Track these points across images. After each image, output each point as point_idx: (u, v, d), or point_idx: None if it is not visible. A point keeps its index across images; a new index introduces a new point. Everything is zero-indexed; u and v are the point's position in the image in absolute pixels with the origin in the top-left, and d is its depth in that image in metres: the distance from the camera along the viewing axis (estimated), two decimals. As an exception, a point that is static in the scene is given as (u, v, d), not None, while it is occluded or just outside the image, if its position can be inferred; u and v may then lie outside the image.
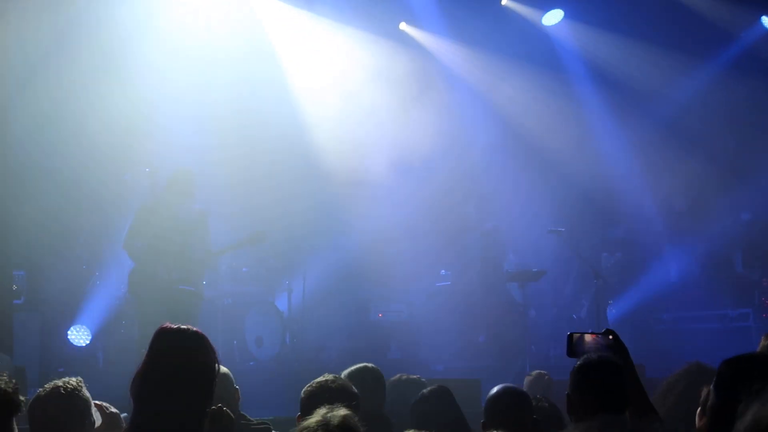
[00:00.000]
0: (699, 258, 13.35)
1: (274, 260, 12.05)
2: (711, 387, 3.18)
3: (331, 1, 11.91)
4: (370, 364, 5.17)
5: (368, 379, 4.97)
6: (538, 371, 7.19)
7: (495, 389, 4.37)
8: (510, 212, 13.06)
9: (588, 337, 3.69)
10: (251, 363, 11.37)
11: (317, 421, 2.86)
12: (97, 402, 3.93)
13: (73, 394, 3.91)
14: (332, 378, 4.37)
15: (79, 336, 10.71)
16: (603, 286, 10.94)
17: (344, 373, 4.93)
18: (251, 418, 4.61)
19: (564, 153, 12.96)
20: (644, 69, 12.84)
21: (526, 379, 7.05)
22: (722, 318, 12.26)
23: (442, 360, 11.66)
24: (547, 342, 12.76)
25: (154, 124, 10.96)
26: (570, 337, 3.70)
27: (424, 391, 5.07)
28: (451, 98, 13.18)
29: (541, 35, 12.85)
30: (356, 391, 4.38)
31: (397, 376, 5.74)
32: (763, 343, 4.96)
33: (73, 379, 3.99)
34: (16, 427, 2.84)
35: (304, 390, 4.32)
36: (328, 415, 2.89)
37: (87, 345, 10.76)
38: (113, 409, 3.99)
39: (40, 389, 4.03)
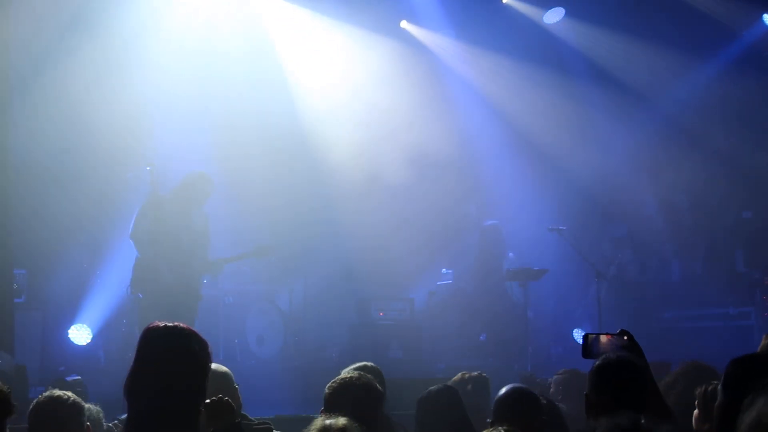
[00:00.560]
0: (700, 256, 13.34)
1: (275, 259, 12.04)
2: (718, 387, 3.17)
3: (332, 0, 11.90)
4: (370, 363, 5.17)
5: None
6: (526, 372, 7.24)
7: (504, 389, 4.36)
8: (511, 210, 13.05)
9: (603, 338, 3.69)
10: (252, 362, 11.37)
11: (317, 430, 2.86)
12: None
13: (66, 403, 4.10)
14: (357, 375, 4.34)
15: (80, 335, 10.70)
16: (604, 284, 10.92)
17: (343, 372, 4.91)
18: (252, 418, 4.59)
19: (565, 151, 12.95)
20: (645, 67, 12.82)
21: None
22: (723, 316, 12.24)
23: (443, 359, 11.64)
24: (548, 341, 12.75)
25: (157, 123, 10.96)
26: (585, 337, 3.70)
27: (431, 388, 5.08)
28: (451, 96, 13.18)
29: (543, 33, 12.83)
30: (381, 389, 4.35)
31: (459, 376, 5.78)
32: (764, 342, 4.95)
33: (68, 392, 4.23)
34: (7, 428, 2.84)
35: (328, 386, 4.30)
36: (328, 423, 2.89)
37: (88, 344, 10.75)
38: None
39: (40, 396, 4.18)
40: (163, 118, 11.02)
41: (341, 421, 3.02)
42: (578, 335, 12.43)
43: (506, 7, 12.66)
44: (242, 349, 11.49)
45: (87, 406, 4.61)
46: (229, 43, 11.36)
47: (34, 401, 4.24)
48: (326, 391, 4.27)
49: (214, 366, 3.31)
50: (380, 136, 12.11)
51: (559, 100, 12.84)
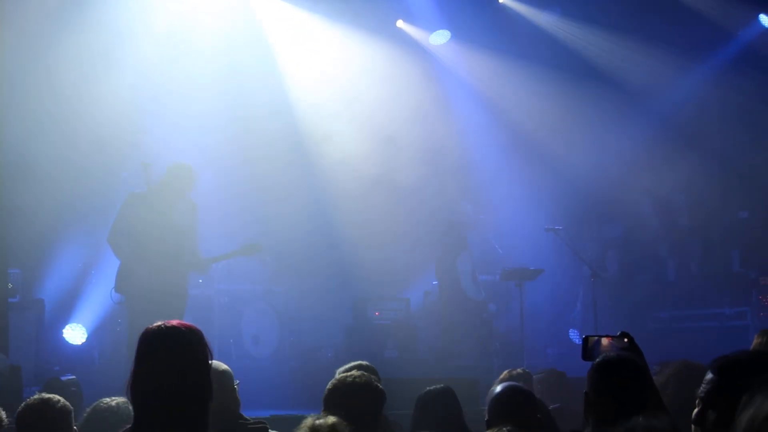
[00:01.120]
0: (696, 256, 13.35)
1: (270, 259, 12.03)
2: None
3: (329, 0, 11.90)
4: (365, 363, 5.15)
5: None
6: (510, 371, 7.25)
7: (498, 388, 4.35)
8: (507, 210, 13.05)
9: (604, 341, 3.68)
10: (248, 361, 11.35)
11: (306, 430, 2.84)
12: None
13: (55, 406, 4.11)
14: (358, 374, 4.31)
15: (75, 334, 10.68)
16: (600, 284, 10.92)
17: (339, 371, 4.90)
18: (248, 417, 4.58)
19: (561, 150, 12.95)
20: (641, 67, 12.83)
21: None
22: (719, 316, 12.26)
23: (439, 359, 11.62)
24: (545, 340, 12.76)
25: (151, 121, 10.92)
26: (585, 340, 3.68)
27: (429, 388, 5.07)
28: (447, 96, 13.18)
29: (538, 32, 12.83)
30: (382, 387, 4.34)
31: (505, 373, 5.78)
32: (756, 341, 4.95)
33: (57, 396, 4.23)
34: None
35: (328, 384, 4.28)
36: (317, 423, 2.87)
37: (83, 343, 10.73)
38: None
39: (29, 399, 4.20)
40: (158, 116, 10.98)
41: (330, 420, 3.00)
42: (574, 336, 12.43)
43: (503, 6, 12.66)
44: (238, 349, 11.47)
45: (115, 402, 4.58)
46: (223, 41, 11.34)
47: (23, 404, 4.22)
48: (327, 389, 4.24)
49: (213, 364, 3.28)
50: (375, 136, 12.10)
51: (556, 100, 12.84)
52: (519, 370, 5.92)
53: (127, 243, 8.53)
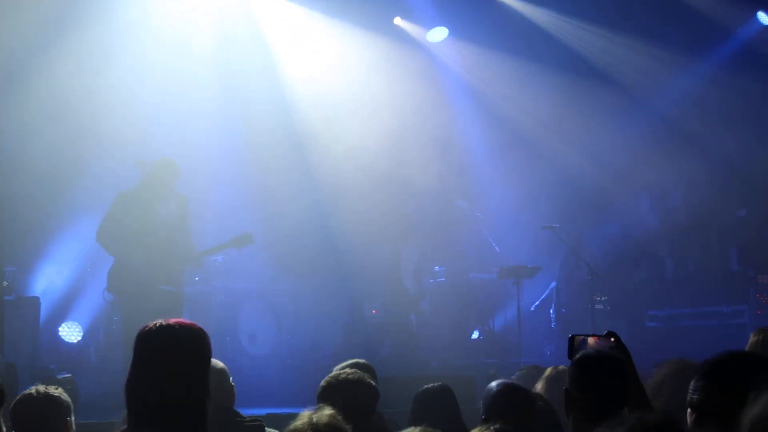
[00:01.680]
0: (694, 255, 13.34)
1: (267, 257, 12.00)
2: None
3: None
4: (362, 360, 5.14)
5: None
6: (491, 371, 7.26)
7: (494, 384, 4.33)
8: (504, 207, 13.04)
9: (590, 340, 3.66)
10: (244, 360, 11.33)
11: (302, 425, 2.82)
12: None
13: (51, 398, 4.01)
14: (352, 371, 4.32)
15: (70, 332, 10.65)
16: (597, 282, 10.90)
17: (336, 369, 4.88)
18: (244, 416, 4.56)
19: (559, 148, 12.95)
20: (639, 64, 12.81)
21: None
22: (717, 315, 12.24)
23: (436, 357, 11.62)
24: (542, 339, 12.74)
25: (148, 119, 10.89)
26: (572, 339, 3.66)
27: (427, 386, 5.06)
28: (444, 93, 13.16)
29: (536, 30, 12.81)
30: (375, 386, 4.33)
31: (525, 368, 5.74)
32: (752, 339, 4.93)
33: (52, 387, 4.13)
34: (3, 424, 2.76)
35: (322, 382, 4.28)
36: (315, 417, 2.86)
37: (78, 341, 10.70)
38: None
39: (26, 391, 4.11)
40: (156, 113, 10.94)
41: (326, 413, 2.97)
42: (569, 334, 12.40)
43: (499, 4, 12.64)
44: (234, 347, 11.45)
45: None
46: (221, 38, 11.32)
47: (21, 393, 4.16)
48: (320, 386, 4.24)
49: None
50: (373, 133, 12.07)
51: (553, 98, 12.83)
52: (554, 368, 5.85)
53: (117, 241, 8.49)
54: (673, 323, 12.64)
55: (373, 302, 11.82)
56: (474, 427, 5.36)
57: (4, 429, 2.70)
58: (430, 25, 12.82)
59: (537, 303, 12.81)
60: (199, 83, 11.22)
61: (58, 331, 10.59)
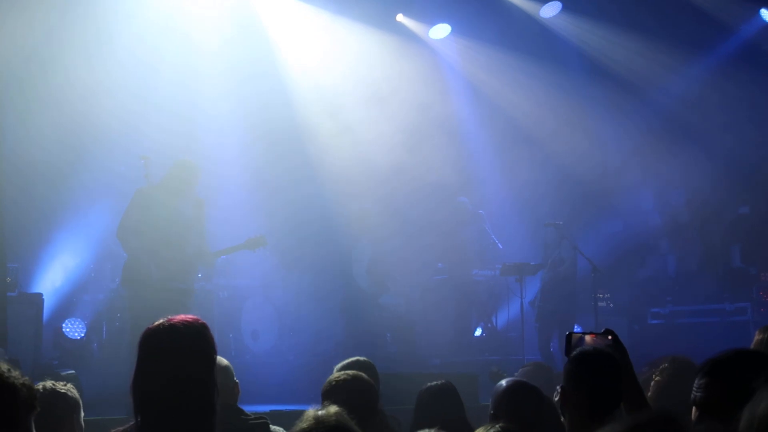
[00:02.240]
0: (696, 252, 13.33)
1: (270, 254, 12.01)
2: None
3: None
4: (363, 358, 5.13)
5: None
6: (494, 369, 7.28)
7: (504, 383, 4.33)
8: (506, 204, 13.03)
9: (588, 338, 3.66)
10: (247, 356, 11.35)
11: (310, 424, 2.82)
12: None
13: (59, 394, 3.97)
14: (351, 375, 4.35)
15: (73, 328, 10.66)
16: (600, 279, 10.88)
17: (337, 367, 4.89)
18: (249, 413, 4.56)
19: (561, 145, 12.93)
20: (642, 61, 12.80)
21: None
22: (719, 312, 12.23)
23: (439, 354, 11.62)
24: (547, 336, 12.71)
25: (150, 115, 10.89)
26: (569, 337, 3.67)
27: (430, 383, 5.06)
28: (447, 89, 13.15)
29: (539, 27, 12.80)
30: (376, 388, 4.36)
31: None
32: (757, 337, 4.92)
33: (59, 383, 4.06)
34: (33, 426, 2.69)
35: (323, 387, 4.30)
36: (321, 414, 2.86)
37: (82, 337, 10.71)
38: None
39: (37, 386, 4.01)
40: (157, 110, 10.94)
41: (332, 410, 2.97)
42: (579, 332, 12.38)
43: (503, 0, 12.63)
44: (237, 344, 11.46)
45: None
46: (223, 34, 11.30)
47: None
48: (322, 389, 4.26)
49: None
50: (377, 129, 12.08)
51: (556, 95, 12.82)
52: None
53: (133, 237, 8.56)
54: (675, 321, 12.62)
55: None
56: (477, 423, 5.37)
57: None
58: (432, 21, 12.82)
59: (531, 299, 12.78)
60: (205, 80, 11.24)
61: (61, 328, 10.59)
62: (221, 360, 4.38)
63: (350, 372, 4.34)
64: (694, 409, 2.98)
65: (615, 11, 12.43)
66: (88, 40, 10.26)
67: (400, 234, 12.13)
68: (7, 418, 2.47)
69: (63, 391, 4.00)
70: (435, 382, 5.08)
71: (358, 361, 5.04)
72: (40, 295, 9.97)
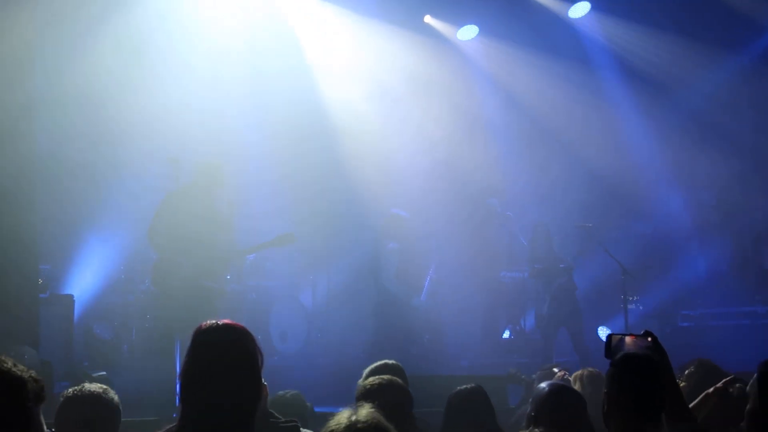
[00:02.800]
0: (727, 253, 13.20)
1: (298, 255, 12.03)
2: (746, 389, 3.09)
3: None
4: (391, 361, 5.12)
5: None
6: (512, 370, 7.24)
7: (545, 385, 4.30)
8: (535, 205, 12.97)
9: (628, 339, 3.64)
10: (275, 358, 11.36)
11: (344, 425, 2.83)
12: None
13: (102, 399, 3.98)
14: (386, 380, 4.33)
15: (104, 330, 10.73)
16: (630, 281, 10.80)
17: (366, 371, 4.88)
18: (279, 416, 4.55)
19: (590, 146, 12.87)
20: (671, 61, 12.71)
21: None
22: (751, 315, 12.11)
23: (467, 356, 11.59)
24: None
25: (181, 117, 10.95)
26: (609, 338, 3.64)
27: (460, 387, 5.04)
28: (475, 91, 13.13)
29: (568, 27, 12.74)
30: (409, 393, 4.35)
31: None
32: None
33: (96, 385, 4.08)
34: (44, 423, 2.75)
35: (359, 389, 4.30)
36: (353, 417, 2.86)
37: (112, 338, 10.77)
38: None
39: (70, 389, 4.03)
40: (187, 112, 11.02)
41: (366, 410, 2.97)
42: (604, 333, 12.31)
43: (530, 2, 12.58)
44: (265, 345, 11.42)
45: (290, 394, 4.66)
46: (253, 36, 11.37)
47: (68, 391, 4.04)
48: (356, 394, 4.25)
49: None
50: (405, 130, 12.07)
51: (585, 95, 12.76)
52: (587, 371, 5.81)
53: (163, 238, 8.64)
54: (706, 323, 12.51)
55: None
56: (506, 426, 5.36)
57: (45, 428, 2.71)
58: (459, 22, 12.80)
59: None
60: (231, 81, 11.28)
61: (91, 329, 10.66)
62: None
63: (385, 377, 4.33)
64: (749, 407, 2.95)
65: (644, 11, 12.35)
66: (121, 43, 10.34)
67: (429, 236, 12.11)
68: (18, 410, 2.55)
69: (109, 396, 3.99)
70: (465, 386, 5.06)
71: (386, 364, 5.03)
72: (71, 296, 10.04)
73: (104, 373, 7.29)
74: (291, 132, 11.74)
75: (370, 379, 4.34)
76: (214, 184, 8.84)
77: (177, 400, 5.96)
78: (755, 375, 3.26)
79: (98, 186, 11.02)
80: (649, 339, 3.63)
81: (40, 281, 9.31)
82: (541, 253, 11.09)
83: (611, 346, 3.62)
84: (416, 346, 11.43)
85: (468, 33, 12.89)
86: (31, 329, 8.38)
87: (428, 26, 12.82)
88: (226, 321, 3.16)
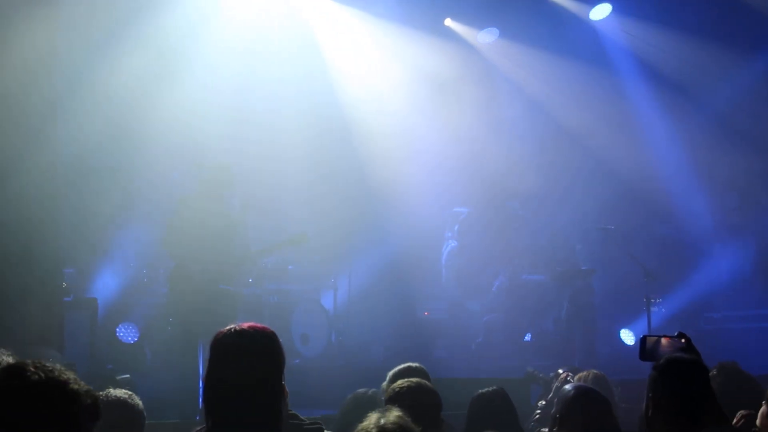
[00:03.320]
0: (750, 255, 13.12)
1: (319, 258, 12.06)
2: None
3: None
4: (414, 364, 5.12)
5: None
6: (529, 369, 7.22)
7: (570, 388, 4.29)
8: (557, 209, 12.95)
9: (663, 341, 3.62)
10: (296, 360, 11.39)
11: (373, 427, 2.84)
12: None
13: (128, 405, 4.04)
14: (416, 383, 4.33)
15: (127, 333, 10.80)
16: (652, 284, 10.76)
17: (390, 373, 4.89)
18: (303, 417, 4.57)
19: (612, 149, 12.82)
20: (694, 63, 12.64)
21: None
22: (774, 317, 12.05)
23: (488, 359, 11.57)
24: (596, 340, 12.60)
25: (203, 122, 11.02)
26: (643, 340, 3.63)
27: (482, 390, 5.04)
28: (496, 94, 13.11)
29: (589, 30, 12.71)
30: (438, 394, 4.35)
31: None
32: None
33: (121, 390, 4.15)
34: None
35: (388, 392, 4.30)
36: (382, 420, 2.87)
37: (135, 342, 10.84)
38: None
39: (103, 393, 4.06)
40: (210, 117, 11.08)
41: (394, 413, 2.99)
42: (626, 336, 12.27)
43: (552, 3, 12.57)
44: (287, 348, 11.33)
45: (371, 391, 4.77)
46: (273, 41, 11.41)
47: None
48: (385, 397, 4.25)
49: None
50: (427, 133, 12.08)
51: (606, 97, 12.72)
52: (593, 372, 5.81)
53: (179, 245, 8.67)
54: (728, 325, 12.44)
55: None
56: (527, 427, 5.36)
57: None
58: (480, 25, 12.80)
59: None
60: (255, 84, 11.35)
61: (115, 332, 10.73)
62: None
63: (414, 379, 4.32)
64: None
65: (666, 12, 12.29)
66: (145, 46, 10.40)
67: (452, 239, 12.12)
68: (70, 426, 2.48)
69: (134, 402, 4.00)
70: (487, 389, 5.06)
71: (410, 367, 5.03)
72: (95, 299, 10.11)
73: (128, 376, 7.33)
74: (315, 136, 11.78)
75: (399, 381, 4.33)
76: (223, 187, 8.86)
77: (200, 403, 5.99)
78: None
79: (123, 190, 11.09)
80: (683, 340, 3.62)
81: (65, 285, 9.37)
82: (561, 256, 11.06)
83: (646, 347, 3.61)
84: (438, 350, 11.44)
85: (489, 36, 12.88)
86: (56, 332, 8.43)
87: (449, 29, 12.82)
88: (251, 324, 3.17)
